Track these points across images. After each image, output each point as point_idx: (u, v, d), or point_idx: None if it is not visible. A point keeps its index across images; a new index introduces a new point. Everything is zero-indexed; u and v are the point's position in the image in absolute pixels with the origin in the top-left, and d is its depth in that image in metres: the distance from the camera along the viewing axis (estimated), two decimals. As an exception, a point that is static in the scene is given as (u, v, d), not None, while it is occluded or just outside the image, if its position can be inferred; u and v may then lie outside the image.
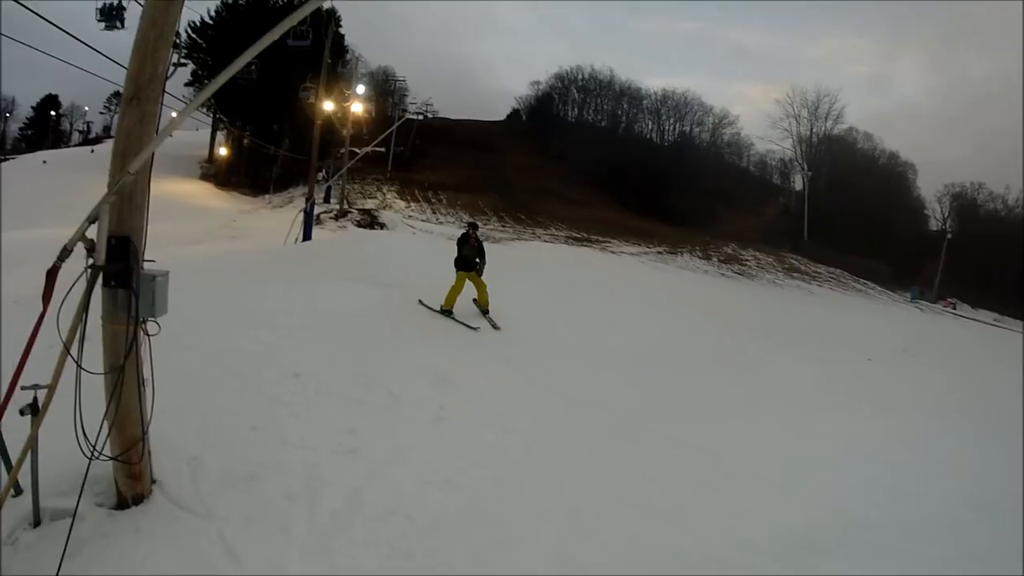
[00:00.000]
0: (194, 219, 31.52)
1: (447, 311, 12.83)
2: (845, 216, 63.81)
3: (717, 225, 45.37)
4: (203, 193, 45.32)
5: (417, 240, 24.95)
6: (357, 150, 33.50)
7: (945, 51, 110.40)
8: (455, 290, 13.02)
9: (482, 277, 13.45)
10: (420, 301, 12.92)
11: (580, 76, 75.77)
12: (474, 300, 13.38)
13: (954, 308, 53.13)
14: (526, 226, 43.74)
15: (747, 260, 29.05)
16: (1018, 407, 11.93)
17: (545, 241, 35.90)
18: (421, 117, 54.63)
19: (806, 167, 71.37)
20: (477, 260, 13.38)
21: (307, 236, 23.69)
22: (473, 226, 14.05)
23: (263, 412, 6.71)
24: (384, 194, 48.69)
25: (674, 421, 8.73)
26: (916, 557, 5.66)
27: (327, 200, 41.63)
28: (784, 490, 6.81)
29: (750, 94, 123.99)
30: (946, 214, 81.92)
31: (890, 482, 7.48)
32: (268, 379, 7.59)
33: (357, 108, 34.49)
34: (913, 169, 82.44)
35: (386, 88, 67.95)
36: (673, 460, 7.31)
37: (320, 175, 38.12)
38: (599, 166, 61.29)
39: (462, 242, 13.54)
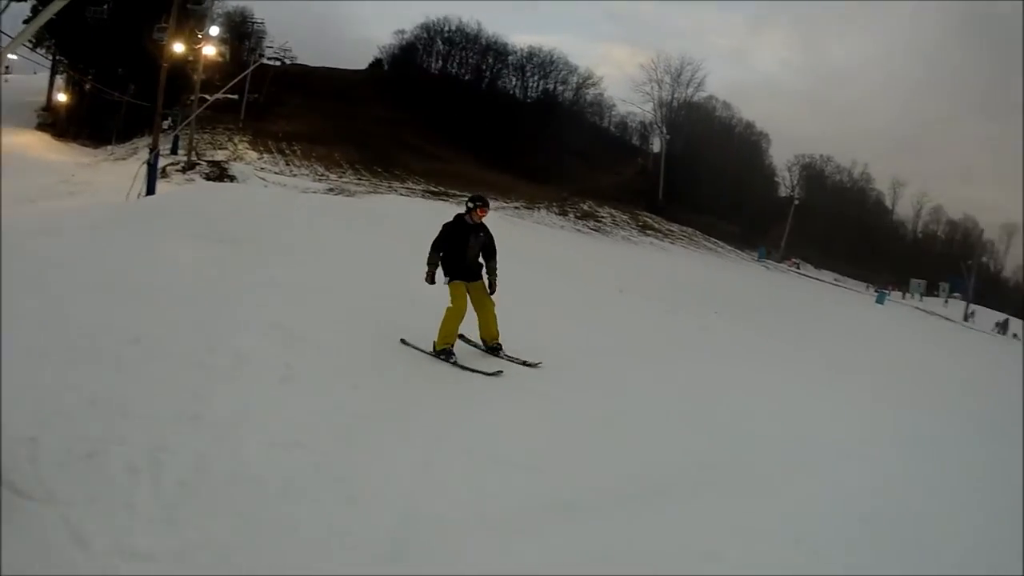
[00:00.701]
0: (28, 174, 29.04)
1: (445, 351, 8.34)
2: (700, 179, 66.98)
3: (575, 183, 46.19)
4: (39, 145, 41.89)
5: (268, 193, 23.98)
6: (208, 97, 31.92)
7: (806, 30, 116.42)
8: (455, 314, 8.38)
9: (494, 293, 8.83)
10: (403, 340, 8.63)
11: (447, 27, 74.31)
12: (464, 338, 9.02)
13: (798, 267, 57.50)
14: (383, 179, 43.08)
15: (603, 217, 29.80)
16: (857, 350, 13.03)
17: (401, 195, 35.40)
18: (278, 63, 52.73)
19: (665, 130, 73.80)
20: (484, 262, 8.84)
21: (151, 191, 22.29)
22: (480, 202, 8.72)
23: (102, 383, 6.12)
24: (235, 145, 46.55)
25: (529, 372, 8.71)
26: (760, 493, 6.02)
27: (174, 151, 39.27)
28: (632, 437, 7.00)
29: (616, 56, 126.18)
30: (795, 182, 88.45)
31: (735, 426, 7.80)
32: (106, 347, 6.94)
33: (210, 51, 32.81)
34: (767, 139, 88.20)
35: (242, 31, 63.87)
36: (528, 410, 7.33)
37: (166, 124, 35.96)
38: (460, 121, 60.70)
39: (457, 230, 8.64)
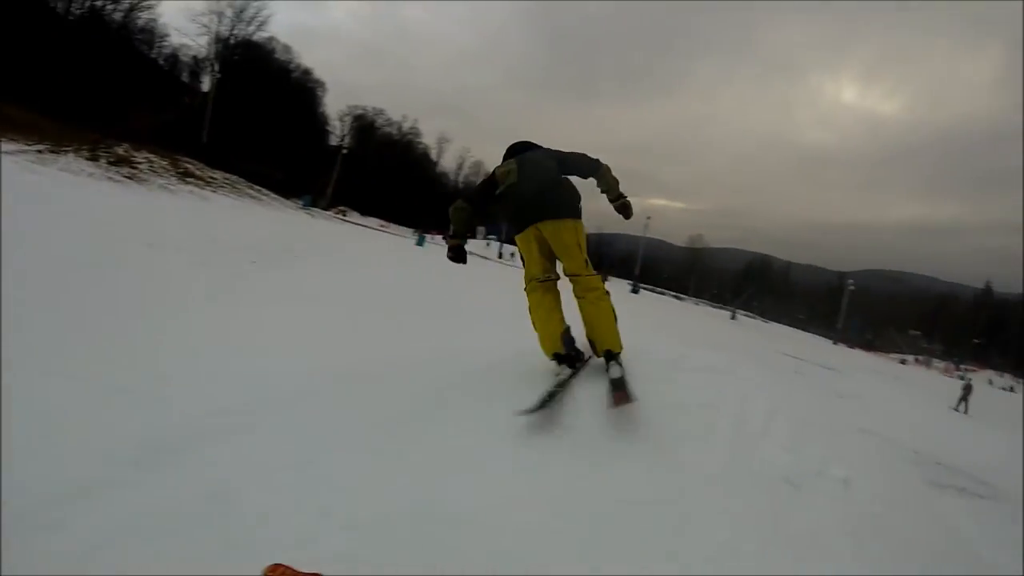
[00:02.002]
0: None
1: (565, 357, 4.63)
2: (249, 124, 66.06)
3: (112, 121, 42.64)
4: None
5: None
6: None
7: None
8: (547, 307, 4.78)
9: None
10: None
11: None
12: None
13: (344, 215, 60.51)
14: None
15: (139, 163, 28.15)
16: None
17: None
18: None
19: (217, 68, 70.93)
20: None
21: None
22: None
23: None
24: None
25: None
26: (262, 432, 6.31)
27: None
28: (146, 395, 6.49)
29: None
30: (346, 132, 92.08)
31: (256, 370, 7.64)
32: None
33: None
34: (323, 87, 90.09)
35: None
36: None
37: None
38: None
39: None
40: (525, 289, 4.92)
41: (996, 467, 11.99)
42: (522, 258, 4.95)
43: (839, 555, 3.33)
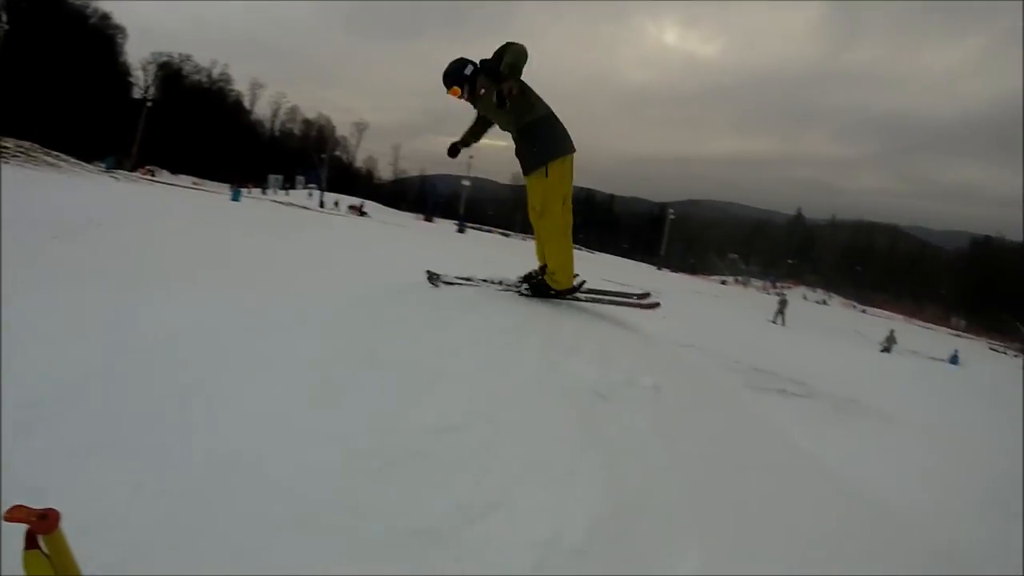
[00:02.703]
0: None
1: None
2: (42, 79, 60.64)
3: None
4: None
5: None
6: None
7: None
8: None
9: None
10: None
11: None
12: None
13: (153, 175, 56.75)
14: None
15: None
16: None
17: None
18: None
19: (4, 18, 64.96)
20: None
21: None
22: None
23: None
24: None
25: None
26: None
27: None
28: None
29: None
30: (150, 83, 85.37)
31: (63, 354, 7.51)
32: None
33: None
34: (124, 33, 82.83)
35: None
36: None
37: None
38: None
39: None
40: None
41: (811, 370, 13.10)
42: None
43: (652, 456, 3.46)
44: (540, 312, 4.62)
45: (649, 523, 3.07)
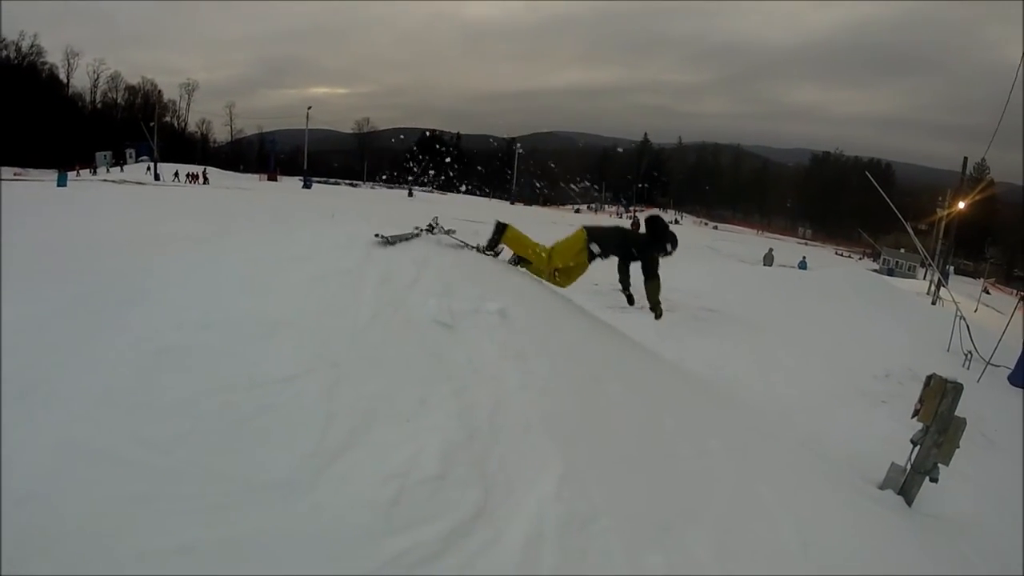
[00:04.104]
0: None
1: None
2: None
3: None
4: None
5: None
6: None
7: None
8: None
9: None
10: None
11: None
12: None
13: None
14: None
15: None
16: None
17: None
18: None
19: None
20: None
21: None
22: None
23: None
24: None
25: None
26: None
27: None
28: None
29: None
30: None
31: None
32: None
33: None
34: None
35: None
36: None
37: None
38: None
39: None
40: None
41: (670, 285, 13.59)
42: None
43: (503, 378, 3.52)
44: (379, 252, 4.56)
45: (507, 443, 3.15)
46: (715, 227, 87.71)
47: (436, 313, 3.83)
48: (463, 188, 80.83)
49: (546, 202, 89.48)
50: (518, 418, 3.30)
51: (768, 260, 32.95)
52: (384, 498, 2.67)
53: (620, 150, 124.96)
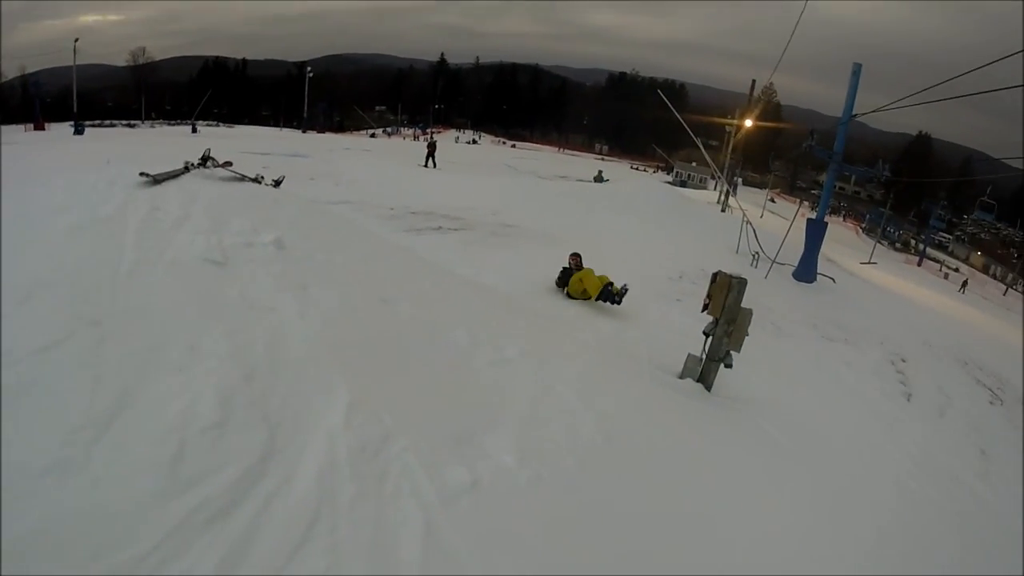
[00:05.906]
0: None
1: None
2: None
3: None
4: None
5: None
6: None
7: None
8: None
9: None
10: None
11: None
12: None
13: None
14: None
15: None
16: None
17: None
18: None
19: None
20: None
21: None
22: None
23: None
24: None
25: None
26: None
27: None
28: None
29: None
30: None
31: None
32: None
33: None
34: None
35: None
36: None
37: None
38: None
39: None
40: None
41: (465, 204, 13.61)
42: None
43: (280, 310, 3.43)
44: (144, 194, 4.26)
45: (289, 379, 3.08)
46: (513, 145, 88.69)
47: (204, 251, 3.65)
48: (247, 120, 76.81)
49: (340, 128, 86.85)
50: (299, 351, 3.23)
51: (599, 179, 34.10)
52: (165, 456, 2.52)
53: (415, 70, 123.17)
